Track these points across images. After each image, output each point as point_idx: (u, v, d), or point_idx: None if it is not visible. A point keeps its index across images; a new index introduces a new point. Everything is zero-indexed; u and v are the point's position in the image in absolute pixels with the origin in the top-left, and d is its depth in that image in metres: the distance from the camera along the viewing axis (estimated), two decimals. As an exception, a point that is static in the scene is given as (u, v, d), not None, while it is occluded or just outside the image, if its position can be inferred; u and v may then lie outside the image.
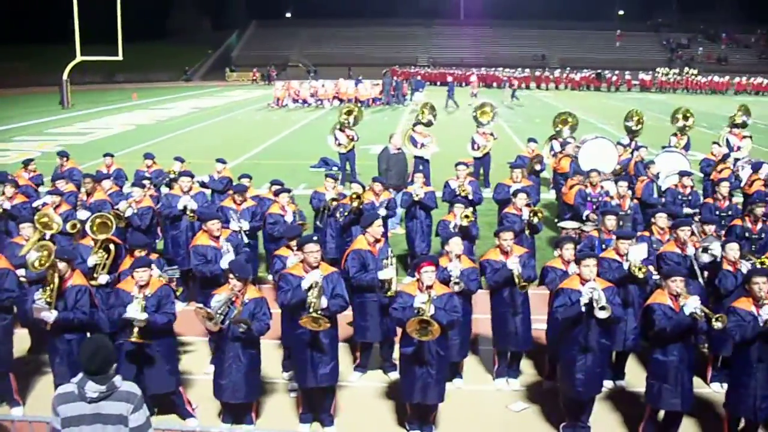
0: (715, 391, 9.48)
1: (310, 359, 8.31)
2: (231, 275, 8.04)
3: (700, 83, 68.22)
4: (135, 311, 7.94)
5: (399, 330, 8.19)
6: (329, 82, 49.53)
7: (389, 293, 9.03)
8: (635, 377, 9.50)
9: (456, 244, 9.18)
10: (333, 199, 12.61)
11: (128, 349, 8.13)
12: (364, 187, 12.62)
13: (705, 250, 9.39)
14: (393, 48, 79.51)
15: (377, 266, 9.35)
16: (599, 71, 70.14)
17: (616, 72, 69.85)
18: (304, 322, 7.94)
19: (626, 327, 9.22)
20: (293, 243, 9.35)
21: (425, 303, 7.80)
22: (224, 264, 9.61)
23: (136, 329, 7.96)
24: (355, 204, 11.98)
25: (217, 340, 8.24)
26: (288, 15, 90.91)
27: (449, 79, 51.03)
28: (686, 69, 72.49)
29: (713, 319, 7.52)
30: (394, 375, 9.51)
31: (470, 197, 13.21)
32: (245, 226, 11.60)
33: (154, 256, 9.67)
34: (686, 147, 19.13)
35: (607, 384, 9.54)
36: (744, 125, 20.33)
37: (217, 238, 10.16)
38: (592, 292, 7.86)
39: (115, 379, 5.46)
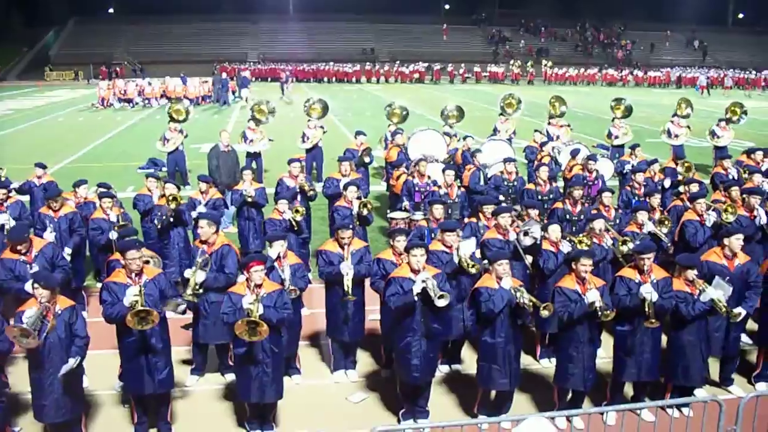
0: (544, 366, 9.95)
1: (146, 365, 8.05)
2: (37, 286, 7.53)
3: (557, 75, 72.10)
4: None
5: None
6: (156, 81, 48.01)
7: (186, 295, 8.82)
8: (471, 360, 9.79)
9: (279, 246, 9.10)
10: (163, 196, 12.30)
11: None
12: (178, 188, 12.30)
13: (526, 233, 9.78)
14: (222, 44, 78.08)
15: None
16: (429, 64, 71.95)
17: (462, 65, 72.34)
18: (129, 321, 7.61)
19: (463, 315, 9.46)
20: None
21: (253, 303, 7.72)
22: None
23: None
24: (172, 206, 11.67)
25: (32, 357, 7.62)
26: (110, 11, 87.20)
27: (223, 75, 50.14)
28: (543, 61, 75.58)
29: (541, 308, 7.88)
30: (231, 376, 9.36)
31: (309, 193, 13.20)
32: (50, 237, 10.81)
33: None
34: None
35: (444, 369, 9.81)
36: (562, 114, 21.42)
37: (26, 252, 9.40)
38: (426, 282, 7.99)
39: None
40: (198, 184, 12.81)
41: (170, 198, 11.72)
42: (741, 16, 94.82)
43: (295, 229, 11.53)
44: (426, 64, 71.89)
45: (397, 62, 72.31)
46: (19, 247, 9.34)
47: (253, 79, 61.65)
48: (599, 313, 8.01)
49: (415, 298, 8.03)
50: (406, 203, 13.13)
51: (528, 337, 10.00)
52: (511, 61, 74.43)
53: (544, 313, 7.90)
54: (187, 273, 9.00)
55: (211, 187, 12.88)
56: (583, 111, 38.04)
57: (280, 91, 51.75)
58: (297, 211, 11.55)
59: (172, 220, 11.80)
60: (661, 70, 74.09)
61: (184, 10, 79.24)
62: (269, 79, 65.37)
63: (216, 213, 10.95)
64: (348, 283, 9.13)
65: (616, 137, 20.14)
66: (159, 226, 11.93)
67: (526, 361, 9.92)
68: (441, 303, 7.87)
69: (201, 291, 8.97)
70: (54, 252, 9.73)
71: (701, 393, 8.95)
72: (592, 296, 8.04)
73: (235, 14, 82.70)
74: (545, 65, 74.01)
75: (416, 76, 70.48)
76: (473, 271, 9.09)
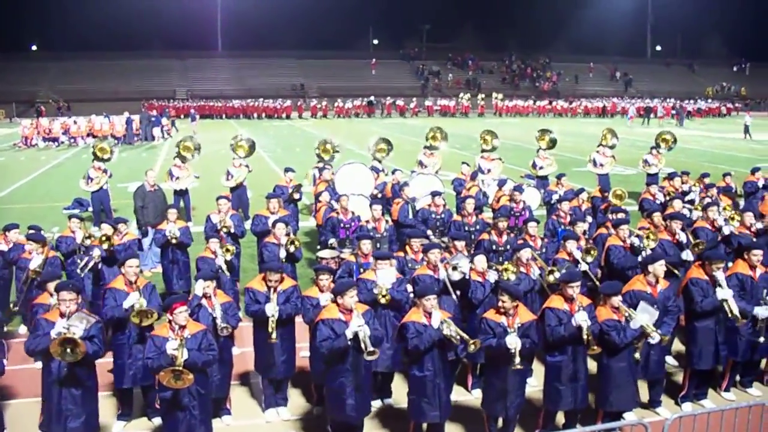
0: (476, 396, 9.94)
1: (58, 411, 7.82)
2: None
3: (507, 107, 74.16)
4: None
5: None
6: (82, 119, 47.13)
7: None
8: (403, 393, 9.75)
9: (210, 285, 8.99)
10: (87, 237, 12.05)
11: None
12: (115, 228, 12.07)
13: (455, 267, 9.80)
14: (150, 81, 77.29)
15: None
16: (371, 99, 72.69)
17: (414, 99, 74.53)
18: (53, 349, 7.41)
19: (392, 348, 9.45)
20: (51, 287, 8.87)
21: (177, 349, 7.58)
22: None
23: None
24: (105, 246, 11.43)
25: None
26: (33, 47, 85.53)
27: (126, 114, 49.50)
28: (493, 94, 77.12)
29: (469, 343, 7.88)
30: (158, 420, 9.11)
31: (232, 230, 13.07)
32: None
33: None
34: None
35: (376, 403, 9.73)
36: (493, 149, 21.68)
37: None
38: (359, 330, 7.89)
39: None
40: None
41: (104, 238, 11.48)
42: (659, 48, 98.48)
43: (226, 269, 11.40)
44: (371, 98, 72.57)
45: (339, 99, 72.51)
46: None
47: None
48: (513, 359, 8.00)
49: (348, 343, 7.95)
50: (332, 240, 13.11)
51: (460, 367, 10.04)
52: (460, 94, 75.66)
53: (471, 348, 7.90)
54: (129, 302, 8.89)
55: (126, 229, 12.66)
56: (511, 142, 38.64)
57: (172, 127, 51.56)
58: (228, 251, 11.44)
59: (102, 260, 11.51)
60: (606, 100, 76.31)
61: (111, 47, 78.19)
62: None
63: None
64: (272, 325, 9.06)
65: (541, 168, 20.54)
66: (85, 269, 11.56)
67: (458, 391, 9.95)
68: (369, 358, 7.87)
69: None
70: None
71: (630, 416, 9.06)
72: (511, 342, 8.01)
73: (162, 51, 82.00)
74: (496, 98, 75.44)
75: (359, 111, 71.47)
76: (384, 301, 9.19)
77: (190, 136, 20.56)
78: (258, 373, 9.79)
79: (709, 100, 79.84)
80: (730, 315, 9.41)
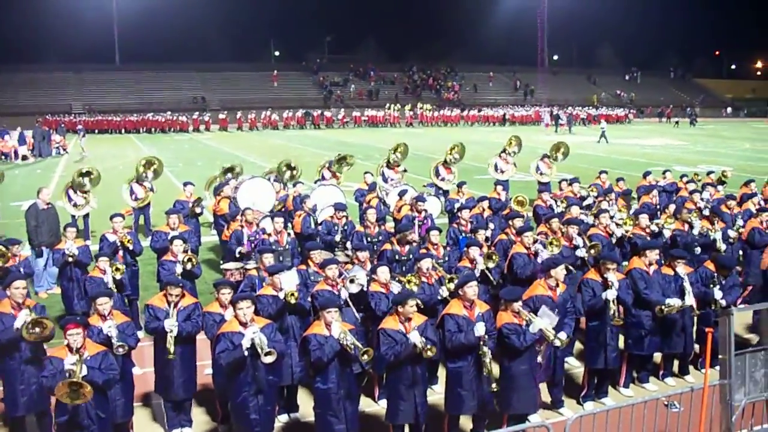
0: (383, 407, 9.91)
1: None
2: None
3: (434, 117, 75.80)
4: None
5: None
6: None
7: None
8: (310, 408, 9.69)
9: (104, 303, 8.73)
10: None
11: None
12: (7, 249, 11.60)
13: (352, 280, 9.80)
14: (44, 95, 74.76)
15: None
16: (307, 111, 72.50)
17: (342, 110, 74.77)
18: None
19: (292, 360, 9.37)
20: None
21: (75, 364, 7.33)
22: None
23: None
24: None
25: None
26: None
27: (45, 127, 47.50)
28: (419, 104, 78.29)
29: (360, 353, 7.89)
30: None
31: (131, 248, 12.80)
32: None
33: None
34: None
35: (283, 418, 9.67)
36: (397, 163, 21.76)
37: None
38: (254, 337, 7.87)
39: None
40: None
41: None
42: (556, 58, 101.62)
43: (115, 288, 11.06)
44: (306, 110, 72.72)
45: (270, 109, 71.80)
46: None
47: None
48: (422, 352, 8.08)
49: (245, 353, 7.89)
50: (240, 248, 12.96)
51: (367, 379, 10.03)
52: (387, 104, 76.10)
53: (364, 358, 7.91)
54: (19, 321, 8.55)
55: (19, 250, 12.22)
56: (415, 152, 38.97)
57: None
58: (117, 269, 11.14)
59: None
60: (528, 109, 79.43)
61: (1, 59, 75.21)
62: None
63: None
64: (170, 340, 8.89)
65: (443, 179, 20.77)
66: None
67: (365, 402, 9.93)
68: (267, 360, 7.80)
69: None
70: None
71: (535, 418, 9.20)
72: (414, 338, 8.09)
73: (57, 64, 79.38)
74: (421, 108, 76.18)
75: (292, 123, 71.34)
76: (293, 300, 9.14)
77: (81, 170, 19.47)
78: (158, 395, 9.57)
79: (600, 107, 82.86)
80: (611, 312, 9.75)
